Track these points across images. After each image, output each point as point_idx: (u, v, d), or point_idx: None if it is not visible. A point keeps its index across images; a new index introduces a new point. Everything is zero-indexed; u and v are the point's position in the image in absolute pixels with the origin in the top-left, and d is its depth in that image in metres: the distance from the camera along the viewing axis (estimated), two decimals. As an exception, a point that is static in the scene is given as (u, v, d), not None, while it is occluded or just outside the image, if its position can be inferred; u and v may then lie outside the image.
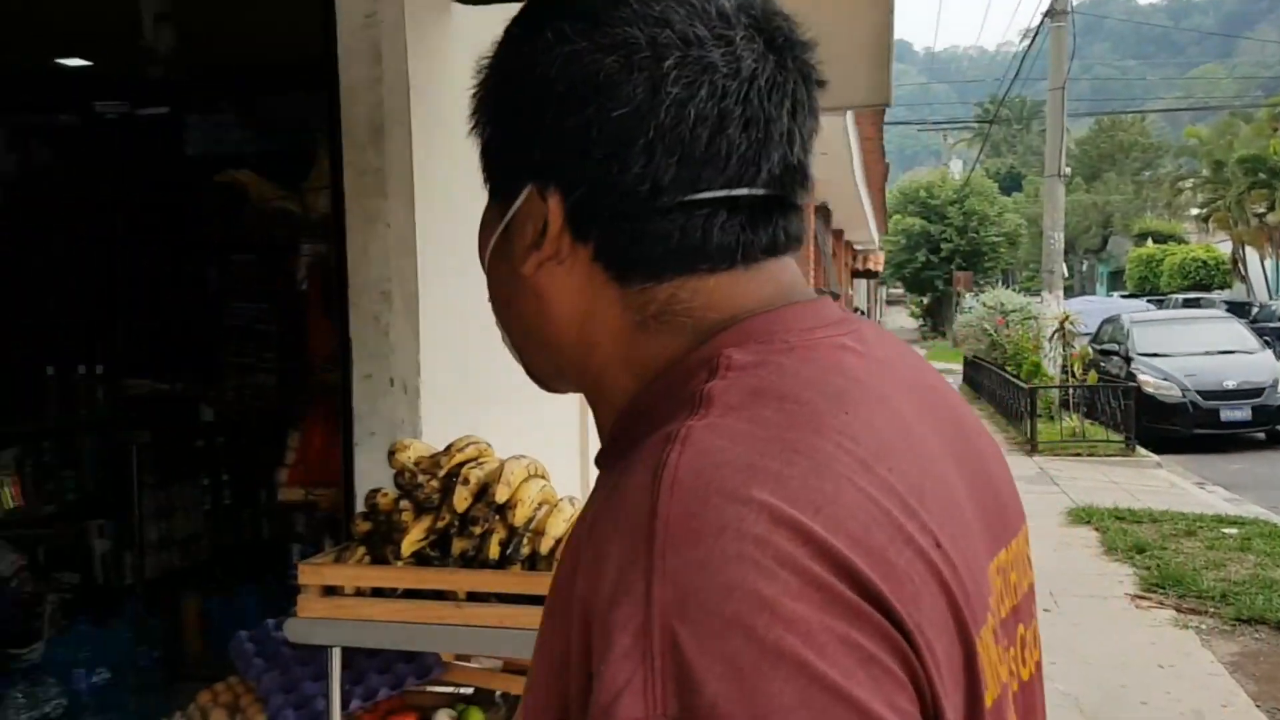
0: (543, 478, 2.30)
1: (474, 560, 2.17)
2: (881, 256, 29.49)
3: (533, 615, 2.09)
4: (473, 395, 3.11)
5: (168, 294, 4.96)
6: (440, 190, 2.94)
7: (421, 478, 2.22)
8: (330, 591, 2.24)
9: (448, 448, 2.30)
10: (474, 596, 2.12)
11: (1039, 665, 0.77)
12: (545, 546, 2.14)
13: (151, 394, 4.62)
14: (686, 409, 0.63)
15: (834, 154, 10.86)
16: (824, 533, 0.56)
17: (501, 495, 2.17)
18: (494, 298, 0.77)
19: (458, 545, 2.18)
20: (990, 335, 17.89)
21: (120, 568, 4.41)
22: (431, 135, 2.92)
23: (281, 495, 3.65)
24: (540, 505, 2.22)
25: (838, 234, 18.09)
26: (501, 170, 0.74)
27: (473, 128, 0.76)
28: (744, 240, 0.69)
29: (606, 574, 0.57)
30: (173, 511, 4.63)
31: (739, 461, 0.58)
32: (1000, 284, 25.26)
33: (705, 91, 0.66)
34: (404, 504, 2.20)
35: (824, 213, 14.63)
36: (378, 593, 2.18)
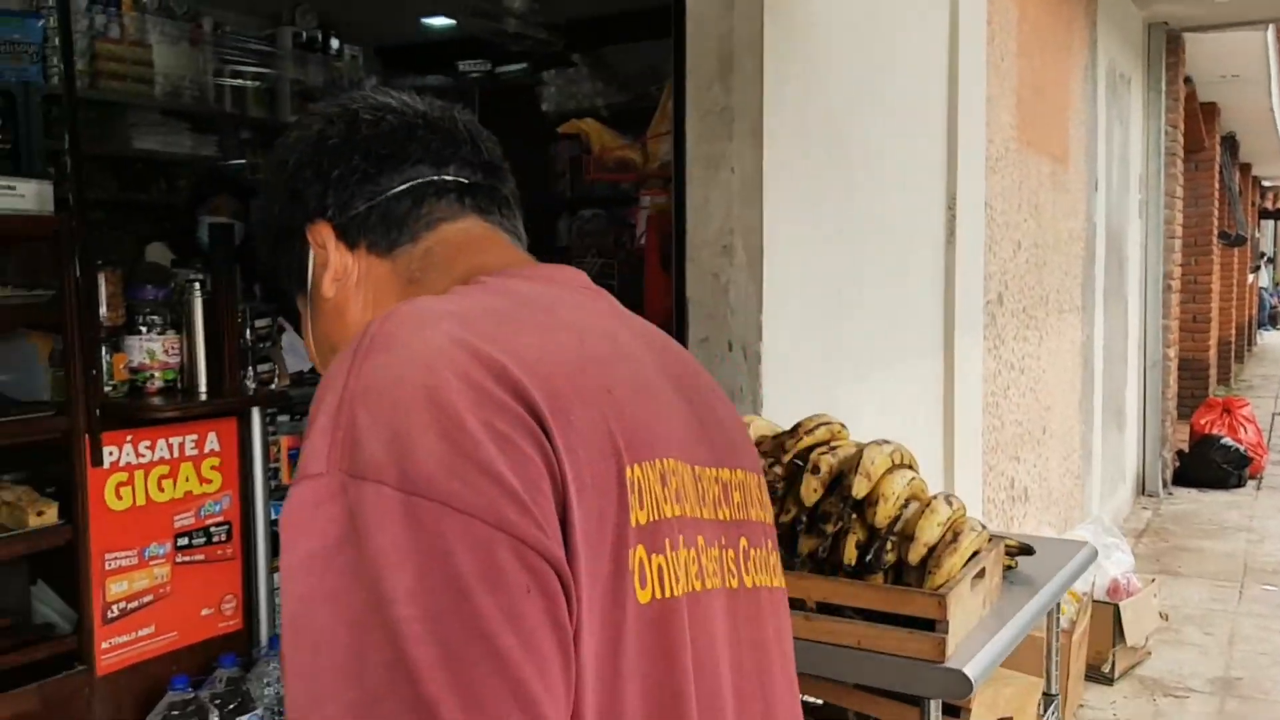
0: (910, 468, 1.93)
1: (824, 564, 1.84)
2: (1296, 194, 25.61)
3: (898, 639, 1.74)
4: (823, 365, 2.76)
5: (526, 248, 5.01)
6: (792, 130, 2.60)
7: (763, 461, 1.91)
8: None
9: (794, 428, 1.98)
10: (824, 609, 1.80)
11: (772, 592, 0.89)
12: (915, 555, 1.77)
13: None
14: None
15: (1247, 77, 9.35)
16: (495, 352, 0.69)
17: (859, 489, 1.82)
18: (319, 351, 0.94)
19: (805, 544, 1.86)
20: None
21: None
22: (785, 67, 2.58)
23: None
24: (908, 502, 1.85)
25: (1245, 168, 15.83)
26: (290, 253, 0.92)
27: (260, 248, 0.95)
28: (465, 203, 0.90)
29: (327, 382, 0.70)
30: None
31: (444, 309, 0.75)
32: None
33: (391, 116, 0.90)
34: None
35: (1230, 144, 12.72)
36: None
